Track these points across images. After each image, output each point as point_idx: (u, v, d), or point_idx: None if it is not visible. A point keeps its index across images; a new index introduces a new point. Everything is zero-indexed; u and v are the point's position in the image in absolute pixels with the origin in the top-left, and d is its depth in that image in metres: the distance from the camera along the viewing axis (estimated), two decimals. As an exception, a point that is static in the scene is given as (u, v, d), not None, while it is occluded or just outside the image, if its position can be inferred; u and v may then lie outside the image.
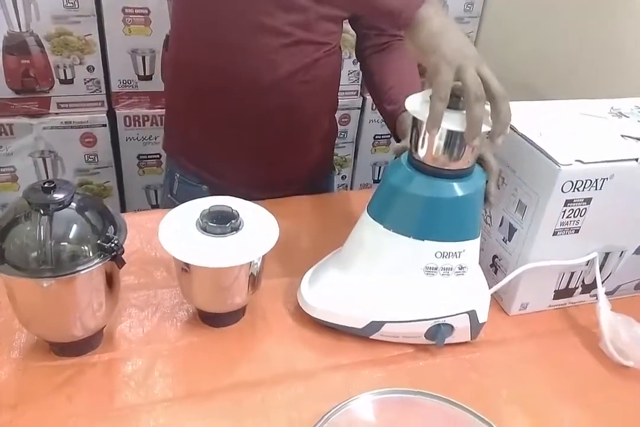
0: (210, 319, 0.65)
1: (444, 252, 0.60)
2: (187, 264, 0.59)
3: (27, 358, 0.58)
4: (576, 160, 0.61)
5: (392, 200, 0.60)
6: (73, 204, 0.55)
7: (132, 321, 0.64)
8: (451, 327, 0.62)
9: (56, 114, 1.35)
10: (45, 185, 0.54)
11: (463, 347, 0.64)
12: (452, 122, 0.55)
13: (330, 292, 0.64)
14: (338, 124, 1.05)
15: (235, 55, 0.81)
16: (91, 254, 0.54)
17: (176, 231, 0.61)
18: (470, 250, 0.61)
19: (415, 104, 0.58)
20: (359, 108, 1.59)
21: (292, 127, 0.88)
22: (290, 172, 0.94)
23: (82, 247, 0.53)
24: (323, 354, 0.62)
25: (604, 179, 0.62)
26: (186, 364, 0.60)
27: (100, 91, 1.36)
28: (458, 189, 0.58)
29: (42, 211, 0.53)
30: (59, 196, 0.54)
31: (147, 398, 0.55)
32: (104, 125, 1.37)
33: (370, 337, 0.64)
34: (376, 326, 0.62)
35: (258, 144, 0.89)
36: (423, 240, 0.59)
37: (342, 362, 0.61)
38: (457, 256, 0.60)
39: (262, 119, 0.86)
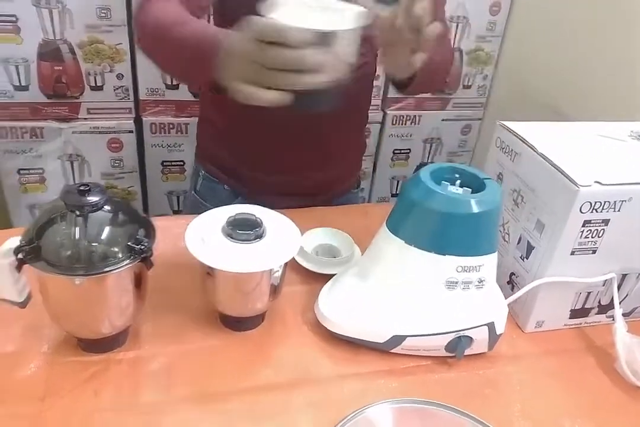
0: (231, 323, 0.66)
1: (464, 267, 0.61)
2: (211, 268, 0.61)
3: (56, 353, 0.60)
4: (595, 182, 0.61)
5: (413, 216, 0.61)
6: (106, 207, 0.57)
7: (157, 321, 0.65)
8: (470, 340, 0.63)
9: (85, 119, 1.39)
10: (81, 188, 0.57)
11: (479, 362, 0.65)
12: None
13: (349, 307, 0.65)
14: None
15: None
16: (122, 255, 0.56)
17: (202, 236, 0.63)
18: (489, 264, 0.62)
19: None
20: (379, 122, 1.61)
21: (318, 144, 0.90)
22: (314, 185, 0.96)
23: (114, 248, 0.56)
24: (339, 363, 0.63)
25: (622, 201, 0.63)
26: (207, 365, 0.61)
27: (129, 98, 1.40)
28: (477, 204, 0.59)
29: (77, 213, 0.55)
30: (93, 199, 0.56)
31: (170, 396, 0.57)
32: (131, 132, 1.41)
33: (392, 351, 0.64)
34: (398, 340, 0.63)
35: (283, 159, 0.91)
36: (444, 255, 0.60)
37: (358, 371, 0.62)
38: (477, 269, 0.61)
39: (287, 136, 0.88)
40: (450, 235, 0.60)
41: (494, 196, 0.61)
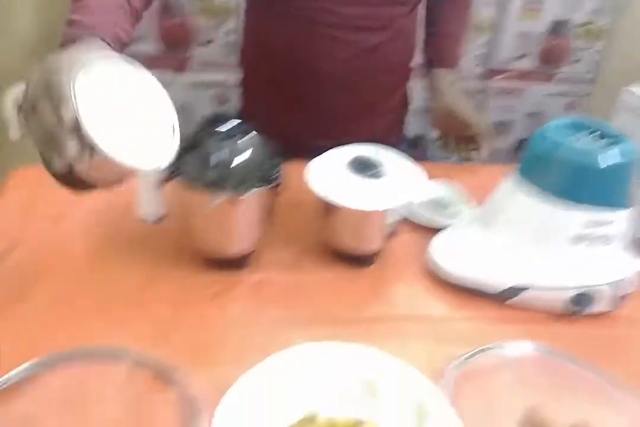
0: (346, 259, 0.67)
1: (593, 221, 0.59)
2: (331, 205, 0.62)
3: (185, 270, 0.63)
4: None
5: (546, 164, 0.60)
6: (243, 136, 0.59)
7: (278, 250, 0.68)
8: (593, 297, 0.61)
9: (195, 71, 1.44)
10: (220, 116, 0.59)
11: (600, 321, 0.63)
12: None
13: (465, 255, 0.65)
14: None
15: (301, 40, 0.85)
16: (254, 181, 0.58)
17: (323, 173, 0.64)
18: (619, 220, 0.60)
19: None
20: (482, 92, 1.57)
21: (357, 102, 0.90)
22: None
23: (248, 174, 0.58)
24: (451, 307, 0.63)
25: None
26: (324, 295, 0.63)
27: (236, 54, 1.43)
28: (615, 155, 0.57)
29: (216, 138, 0.58)
30: (232, 126, 0.59)
31: (291, 317, 0.59)
32: (237, 86, 1.45)
33: (506, 302, 0.63)
34: (514, 291, 0.62)
35: (328, 116, 0.91)
36: (575, 205, 0.58)
37: (470, 316, 0.62)
38: (606, 225, 0.59)
39: (326, 94, 0.88)
40: (583, 185, 0.59)
41: (629, 150, 0.59)
